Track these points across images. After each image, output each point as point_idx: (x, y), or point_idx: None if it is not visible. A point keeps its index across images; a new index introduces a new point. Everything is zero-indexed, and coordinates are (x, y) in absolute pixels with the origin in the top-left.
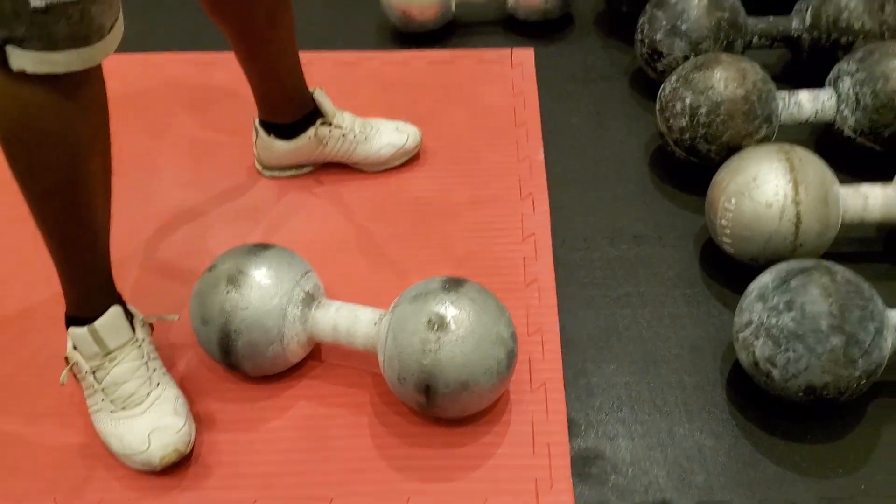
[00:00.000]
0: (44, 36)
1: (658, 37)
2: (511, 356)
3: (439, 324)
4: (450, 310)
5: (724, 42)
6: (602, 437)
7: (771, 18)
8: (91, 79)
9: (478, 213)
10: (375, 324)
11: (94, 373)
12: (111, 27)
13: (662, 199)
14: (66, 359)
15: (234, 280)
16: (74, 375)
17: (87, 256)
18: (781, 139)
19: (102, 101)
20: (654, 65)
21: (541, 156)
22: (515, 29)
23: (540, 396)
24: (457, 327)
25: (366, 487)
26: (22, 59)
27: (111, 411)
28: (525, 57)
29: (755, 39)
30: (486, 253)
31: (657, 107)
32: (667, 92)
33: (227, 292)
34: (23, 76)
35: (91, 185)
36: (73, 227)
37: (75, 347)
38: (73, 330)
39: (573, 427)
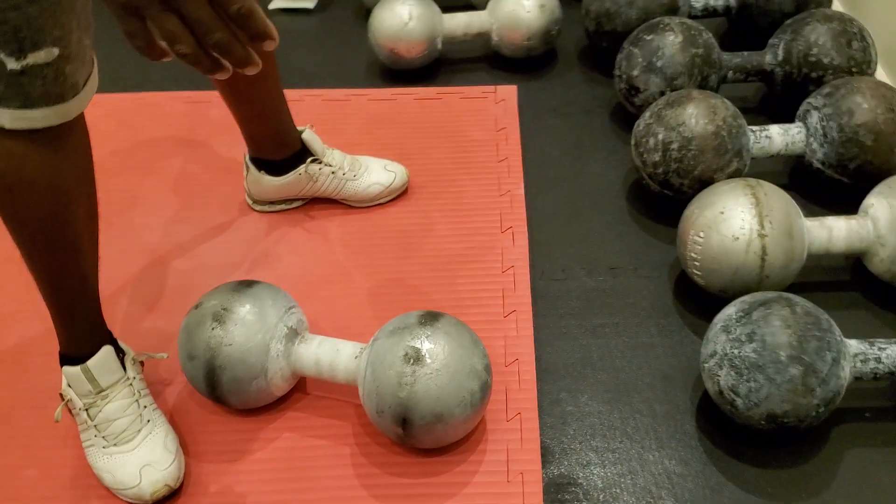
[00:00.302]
0: (20, 95)
1: (635, 73)
2: (485, 388)
3: (415, 357)
4: (425, 344)
5: (699, 77)
6: (575, 464)
7: (745, 54)
8: (72, 128)
9: (460, 246)
10: (356, 357)
11: (87, 410)
12: (85, 83)
13: (638, 231)
14: (61, 395)
15: (219, 317)
16: (69, 411)
17: (76, 299)
18: (754, 171)
19: (85, 148)
20: (632, 100)
21: (521, 190)
22: (500, 65)
23: (515, 425)
24: (432, 360)
25: None
26: (2, 117)
27: (103, 447)
28: (508, 93)
29: (730, 74)
30: (467, 285)
31: (632, 142)
32: (641, 128)
33: (213, 329)
34: (4, 132)
35: (77, 229)
36: (60, 270)
37: (69, 385)
38: (67, 369)
39: (547, 454)
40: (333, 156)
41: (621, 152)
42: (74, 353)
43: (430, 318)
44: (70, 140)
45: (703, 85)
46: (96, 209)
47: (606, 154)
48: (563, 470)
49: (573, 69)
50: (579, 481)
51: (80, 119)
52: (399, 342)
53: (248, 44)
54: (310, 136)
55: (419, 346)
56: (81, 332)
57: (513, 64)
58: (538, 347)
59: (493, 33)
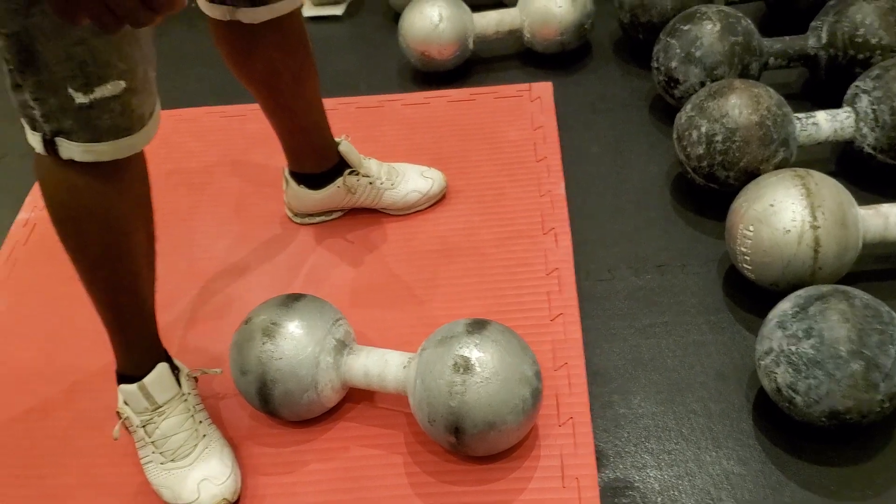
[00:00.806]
0: (89, 129)
1: (673, 64)
2: (536, 394)
3: (464, 367)
4: (474, 352)
5: (740, 66)
6: (630, 467)
7: (787, 38)
8: (133, 160)
9: (502, 250)
10: (405, 367)
11: (144, 426)
12: (150, 115)
13: (685, 226)
14: (118, 413)
15: (269, 332)
16: (126, 429)
17: (133, 321)
18: (801, 160)
19: (144, 179)
20: (671, 92)
21: (562, 189)
22: (534, 62)
23: (568, 430)
24: (482, 369)
25: None
26: (70, 150)
27: (161, 463)
28: (543, 90)
29: (771, 61)
30: (512, 290)
31: (674, 135)
32: (682, 121)
33: (263, 343)
34: (71, 163)
35: (135, 256)
36: (119, 295)
37: (126, 403)
38: (124, 387)
39: (602, 459)
40: (370, 166)
41: (663, 146)
42: (131, 371)
43: (478, 326)
44: (128, 171)
45: (744, 73)
46: (154, 235)
47: (648, 148)
48: (618, 474)
49: (609, 63)
50: (636, 485)
51: (140, 151)
52: (448, 351)
53: None
54: (346, 147)
55: (468, 354)
56: (138, 352)
57: (546, 60)
58: (587, 350)
59: (524, 30)
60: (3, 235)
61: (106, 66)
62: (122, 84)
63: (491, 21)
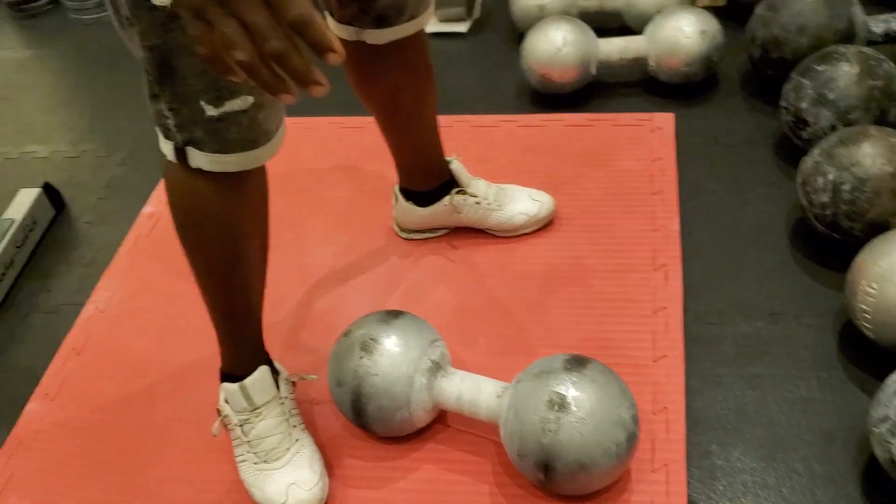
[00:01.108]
0: (217, 140)
1: (804, 105)
2: (632, 439)
3: (560, 404)
4: (571, 391)
5: (877, 111)
6: None
7: None
8: (255, 172)
9: (609, 283)
10: (498, 396)
11: (241, 426)
12: (277, 128)
13: (802, 274)
14: (219, 411)
15: (367, 347)
16: (225, 426)
17: (242, 324)
18: None
19: (263, 188)
20: (799, 133)
21: (676, 225)
22: (657, 91)
23: (661, 477)
24: (577, 409)
25: None
26: (199, 159)
27: (255, 463)
28: (665, 121)
29: None
30: (615, 326)
31: (798, 179)
32: (808, 165)
33: (360, 358)
34: (199, 172)
35: (249, 263)
36: (231, 298)
37: (227, 401)
38: (226, 385)
39: None
40: (478, 186)
41: (785, 187)
42: (235, 371)
43: (577, 363)
44: (250, 182)
45: (881, 120)
46: (267, 244)
47: (769, 188)
48: None
49: (735, 97)
50: None
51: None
52: (544, 386)
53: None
54: (457, 166)
55: (565, 392)
56: (243, 354)
57: (670, 89)
58: (689, 396)
59: (650, 59)
60: (129, 226)
61: (236, 82)
62: (251, 99)
63: (616, 48)
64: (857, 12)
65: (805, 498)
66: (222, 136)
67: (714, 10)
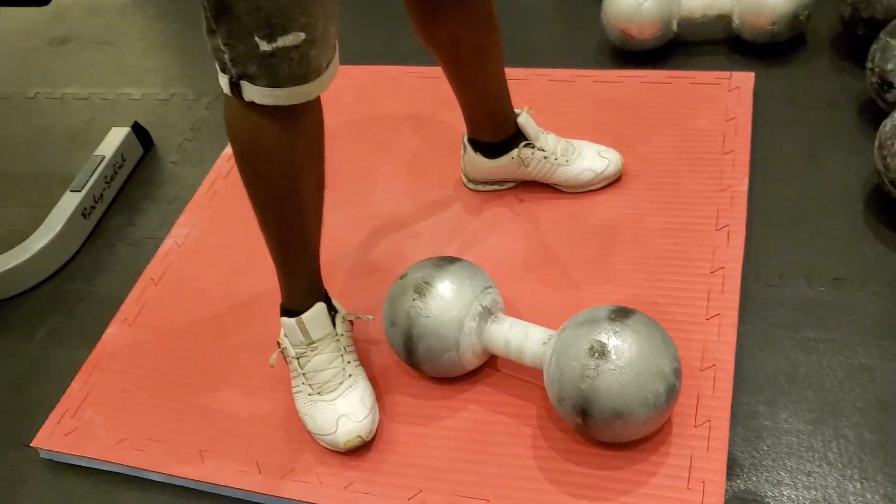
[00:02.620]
0: (270, 74)
1: (889, 66)
2: (671, 391)
3: (600, 352)
4: (612, 339)
5: None
6: (764, 482)
7: None
8: (309, 107)
9: (668, 241)
10: (544, 343)
11: (298, 359)
12: (327, 66)
13: (873, 241)
14: (278, 343)
15: (420, 290)
16: (284, 358)
17: (298, 259)
18: None
19: (318, 124)
20: (883, 96)
21: (744, 186)
22: (740, 49)
23: (703, 432)
24: (617, 357)
25: (521, 494)
26: (252, 93)
27: (309, 394)
28: (744, 80)
29: None
30: (670, 282)
31: (876, 143)
32: (887, 128)
33: (413, 300)
34: (253, 105)
35: (303, 197)
36: (286, 232)
37: (286, 335)
38: (285, 320)
39: (736, 467)
40: (547, 140)
41: (864, 153)
42: (293, 306)
43: (621, 313)
44: (304, 116)
45: None
46: (323, 180)
47: (847, 153)
48: (750, 486)
49: (822, 57)
50: (766, 500)
51: (317, 99)
52: (586, 334)
53: None
54: (525, 119)
55: (605, 340)
56: (300, 289)
57: (754, 49)
58: (740, 355)
59: (734, 16)
60: (210, 167)
61: (289, 19)
62: (302, 35)
63: (699, 4)
64: None
65: (851, 463)
66: (274, 71)
67: None
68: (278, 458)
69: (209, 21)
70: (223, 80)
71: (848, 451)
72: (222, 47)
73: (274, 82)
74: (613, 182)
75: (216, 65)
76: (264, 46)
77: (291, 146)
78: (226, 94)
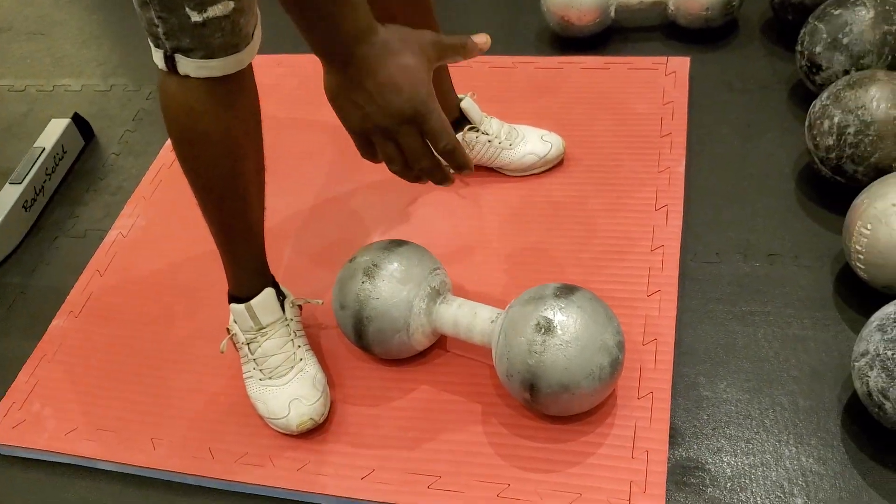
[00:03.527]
0: (203, 46)
1: (818, 50)
2: (615, 364)
3: (546, 328)
4: (557, 315)
5: (890, 57)
6: (705, 449)
7: None
8: (243, 87)
9: (610, 221)
10: (492, 321)
11: (248, 344)
12: (253, 32)
13: (804, 218)
14: (228, 329)
15: (369, 272)
16: (233, 345)
17: (242, 245)
18: None
19: (254, 107)
20: (812, 78)
21: (682, 167)
22: (676, 35)
23: (646, 404)
24: (562, 332)
25: (472, 469)
26: (187, 66)
27: (260, 379)
28: (680, 65)
29: None
30: (613, 261)
31: (806, 122)
32: (816, 108)
33: (362, 282)
34: (188, 81)
35: (245, 182)
36: (230, 218)
37: (235, 321)
38: (234, 306)
39: (678, 437)
40: (491, 124)
41: (796, 133)
42: (241, 293)
43: (566, 290)
44: (241, 99)
45: (893, 66)
46: (263, 164)
47: (780, 134)
48: (691, 454)
49: (754, 42)
50: (707, 467)
51: (251, 80)
52: (533, 311)
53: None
54: (468, 104)
55: (551, 316)
56: (247, 275)
57: (689, 34)
58: (680, 330)
59: (669, 3)
60: (153, 157)
61: None
62: (231, 4)
63: None
64: None
65: (786, 429)
66: (207, 42)
67: None
68: (231, 444)
69: None
70: (157, 56)
71: (783, 418)
72: (156, 20)
73: (208, 53)
74: (556, 165)
75: (149, 40)
76: (195, 17)
77: (229, 130)
78: (160, 73)
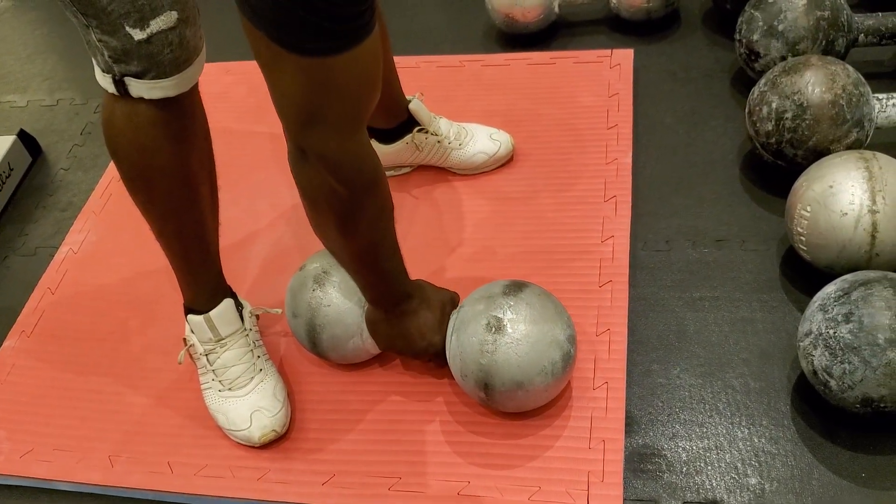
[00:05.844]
0: (154, 65)
1: (755, 37)
2: (567, 358)
3: (497, 327)
4: (507, 314)
5: (824, 42)
6: (660, 435)
7: (880, 15)
8: (196, 113)
9: (561, 215)
10: None
11: (207, 355)
12: (202, 45)
13: (749, 203)
14: (185, 340)
15: (320, 280)
16: (191, 357)
17: (200, 264)
18: (880, 143)
19: (206, 133)
20: (752, 65)
21: (629, 158)
22: (620, 28)
23: (601, 394)
24: (513, 330)
25: (431, 469)
26: (139, 89)
27: (219, 390)
28: (624, 57)
29: (861, 38)
30: (564, 255)
31: (746, 109)
32: (755, 95)
33: (313, 290)
34: (142, 104)
35: (201, 207)
36: (186, 241)
37: (192, 332)
38: (192, 317)
39: (633, 425)
40: (440, 125)
41: (738, 120)
42: (198, 306)
43: (515, 288)
44: (194, 128)
45: (828, 50)
46: (216, 185)
47: (723, 121)
48: (647, 441)
49: (695, 32)
50: (663, 453)
51: (200, 106)
52: (484, 311)
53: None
54: (417, 105)
55: (501, 315)
56: (204, 290)
57: (632, 27)
58: (632, 319)
59: None
60: (102, 171)
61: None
62: (175, 14)
63: None
64: None
65: (738, 411)
66: (157, 60)
67: None
68: (189, 457)
69: (79, 17)
70: (105, 81)
71: (735, 400)
72: (97, 45)
73: (159, 73)
74: (506, 162)
75: (96, 64)
76: (138, 35)
77: (185, 163)
78: (107, 97)
